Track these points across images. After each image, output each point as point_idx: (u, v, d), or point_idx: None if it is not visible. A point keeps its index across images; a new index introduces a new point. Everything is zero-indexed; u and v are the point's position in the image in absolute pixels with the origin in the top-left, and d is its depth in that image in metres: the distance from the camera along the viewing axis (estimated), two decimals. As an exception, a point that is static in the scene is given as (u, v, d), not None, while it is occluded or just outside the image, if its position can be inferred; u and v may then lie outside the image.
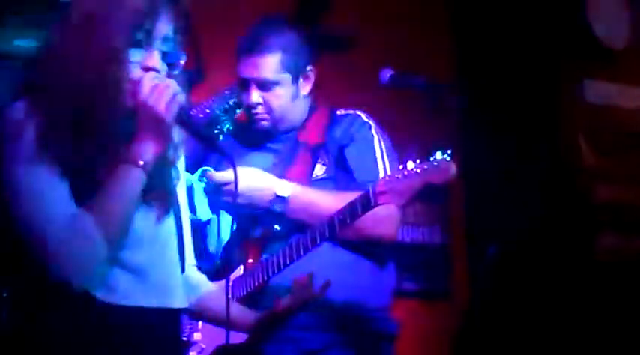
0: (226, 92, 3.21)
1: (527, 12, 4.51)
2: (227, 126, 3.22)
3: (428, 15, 4.57)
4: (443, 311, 4.35)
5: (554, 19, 4.54)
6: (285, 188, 2.84)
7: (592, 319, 4.25)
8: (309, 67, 3.01)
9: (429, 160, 2.45)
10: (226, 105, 3.22)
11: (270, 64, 2.92)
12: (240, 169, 2.78)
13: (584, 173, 4.53)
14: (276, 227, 2.88)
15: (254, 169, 2.87)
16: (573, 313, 4.23)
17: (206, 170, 2.95)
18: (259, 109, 2.97)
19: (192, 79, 3.68)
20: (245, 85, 2.97)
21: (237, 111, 3.21)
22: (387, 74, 2.86)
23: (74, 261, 1.89)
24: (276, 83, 2.94)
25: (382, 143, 2.95)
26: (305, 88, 3.01)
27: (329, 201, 2.77)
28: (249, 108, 2.98)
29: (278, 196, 2.83)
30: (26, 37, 3.65)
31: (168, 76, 2.01)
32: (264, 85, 2.94)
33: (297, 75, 2.97)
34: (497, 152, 4.11)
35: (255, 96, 2.96)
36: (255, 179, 2.84)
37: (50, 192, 1.91)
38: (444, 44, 4.62)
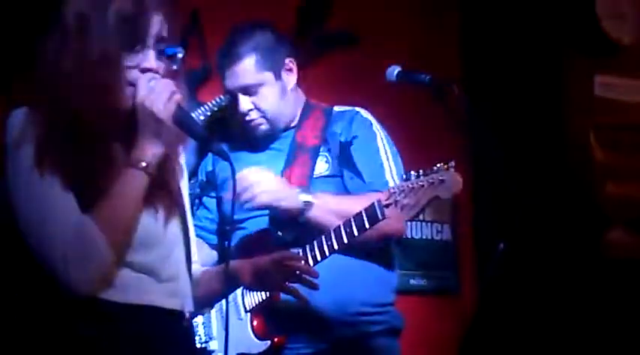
0: (217, 99, 3.20)
1: (536, 7, 4.49)
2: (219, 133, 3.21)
3: (435, 11, 4.56)
4: (451, 308, 4.34)
5: (563, 14, 4.52)
6: (307, 193, 2.82)
7: (600, 315, 4.24)
8: (288, 60, 3.01)
9: (434, 173, 2.43)
10: (217, 112, 3.21)
11: (247, 69, 2.94)
12: (260, 172, 2.79)
13: (593, 168, 4.52)
14: (279, 233, 2.87)
15: (272, 173, 2.86)
16: (582, 309, 4.22)
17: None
18: (253, 114, 2.98)
19: (198, 78, 3.69)
20: (233, 96, 3.00)
21: (231, 120, 3.19)
22: (393, 71, 2.85)
23: (81, 269, 1.89)
24: (259, 84, 2.96)
25: (384, 140, 2.96)
26: (290, 81, 3.02)
27: (346, 206, 2.75)
28: (244, 116, 2.98)
29: (306, 202, 2.80)
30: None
31: (169, 71, 2.00)
32: (249, 90, 2.96)
33: (278, 71, 2.98)
34: (505, 148, 4.11)
35: (245, 103, 2.97)
36: (279, 183, 2.84)
37: (54, 202, 1.91)
38: (450, 40, 4.61)
